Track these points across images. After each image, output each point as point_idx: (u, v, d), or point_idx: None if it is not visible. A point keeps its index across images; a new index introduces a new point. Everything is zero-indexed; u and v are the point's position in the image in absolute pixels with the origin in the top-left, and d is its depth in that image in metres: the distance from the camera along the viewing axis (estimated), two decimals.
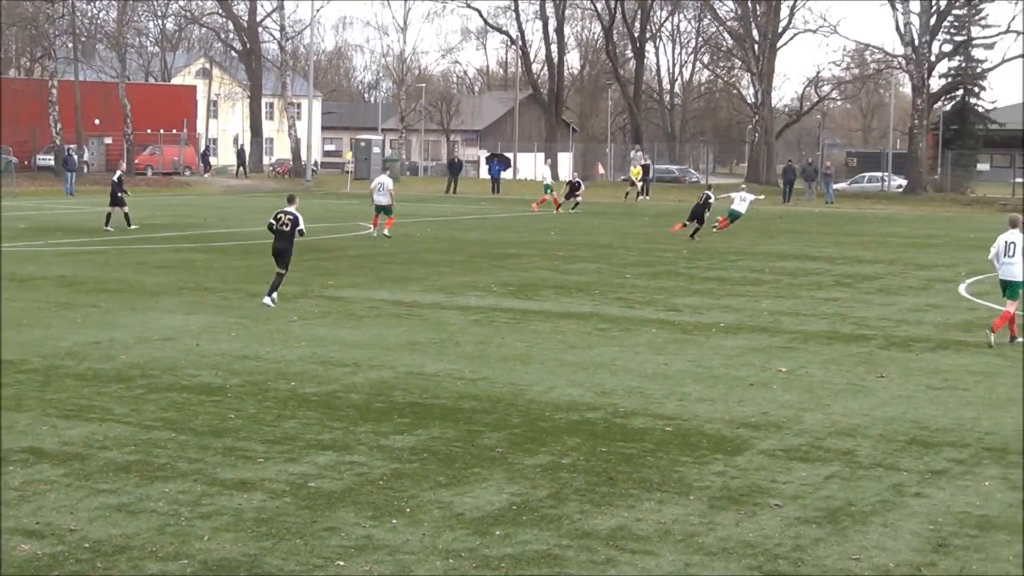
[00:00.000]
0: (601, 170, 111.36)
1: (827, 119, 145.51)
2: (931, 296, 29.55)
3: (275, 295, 25.58)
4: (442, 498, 12.28)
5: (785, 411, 16.56)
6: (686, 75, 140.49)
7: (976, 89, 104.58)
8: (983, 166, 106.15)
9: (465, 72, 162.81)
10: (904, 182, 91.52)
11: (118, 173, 45.35)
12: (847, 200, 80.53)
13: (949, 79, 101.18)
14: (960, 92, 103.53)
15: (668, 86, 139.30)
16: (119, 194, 44.02)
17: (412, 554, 10.68)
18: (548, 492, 12.56)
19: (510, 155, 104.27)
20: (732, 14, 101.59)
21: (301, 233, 26.12)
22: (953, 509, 12.28)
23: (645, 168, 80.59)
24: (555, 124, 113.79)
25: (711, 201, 46.17)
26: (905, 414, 16.54)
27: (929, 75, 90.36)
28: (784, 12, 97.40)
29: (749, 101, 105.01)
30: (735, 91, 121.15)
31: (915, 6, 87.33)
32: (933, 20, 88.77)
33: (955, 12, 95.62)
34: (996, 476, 13.51)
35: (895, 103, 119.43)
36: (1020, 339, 22.93)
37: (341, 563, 10.44)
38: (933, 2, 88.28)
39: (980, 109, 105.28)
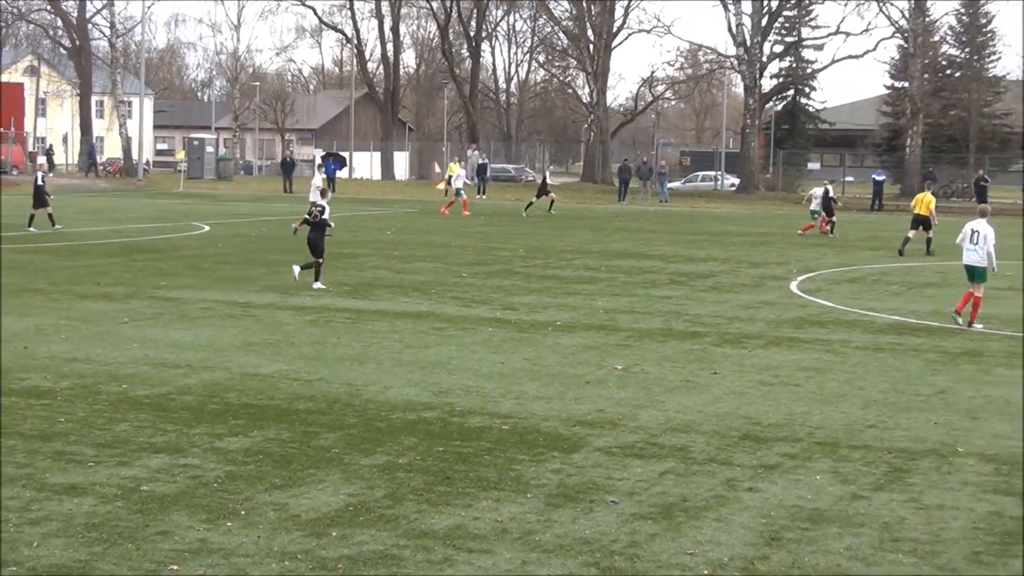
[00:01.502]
0: (437, 169, 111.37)
1: (661, 118, 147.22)
2: (763, 293, 29.97)
3: (319, 281, 28.69)
4: (277, 500, 12.16)
5: (621, 408, 16.66)
6: (522, 74, 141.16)
7: (807, 89, 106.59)
8: (814, 165, 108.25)
9: (300, 70, 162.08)
10: (737, 181, 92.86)
11: (39, 175, 45.17)
12: (681, 199, 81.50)
13: (780, 79, 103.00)
14: (791, 92, 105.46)
15: (504, 85, 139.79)
16: (44, 196, 43.99)
17: (247, 557, 10.56)
18: (385, 492, 12.50)
19: (346, 154, 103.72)
20: (567, 14, 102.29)
21: (327, 224, 29.01)
22: (785, 503, 12.45)
23: (482, 167, 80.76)
24: (391, 123, 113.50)
25: (831, 195, 50.37)
26: (738, 410, 16.74)
27: (761, 75, 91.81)
28: (619, 12, 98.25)
29: (584, 100, 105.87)
30: (570, 90, 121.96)
31: (747, 7, 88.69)
32: (764, 21, 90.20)
33: (786, 13, 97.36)
34: (827, 470, 13.72)
35: (728, 103, 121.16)
36: (979, 326, 24.38)
37: (175, 567, 10.29)
38: (764, 3, 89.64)
39: (810, 109, 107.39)
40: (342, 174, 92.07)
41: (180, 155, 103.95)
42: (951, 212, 72.57)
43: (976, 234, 24.91)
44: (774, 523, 11.80)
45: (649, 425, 15.72)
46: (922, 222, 42.53)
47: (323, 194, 30.01)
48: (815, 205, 52.48)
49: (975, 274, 24.97)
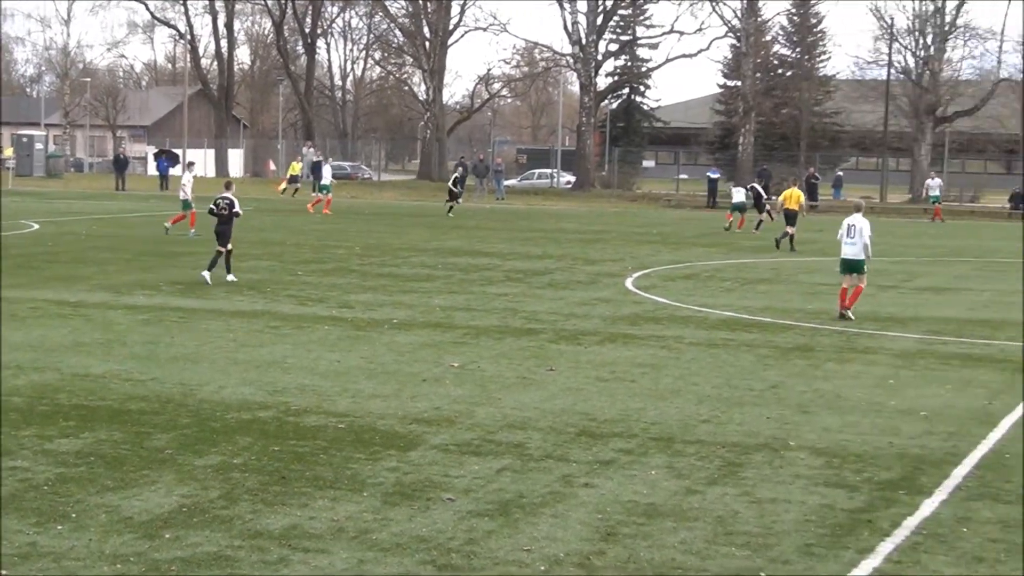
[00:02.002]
0: (272, 167, 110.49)
1: (498, 116, 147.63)
2: (599, 290, 30.18)
3: (208, 274, 29.22)
4: (109, 502, 11.95)
5: (457, 406, 16.66)
6: (358, 71, 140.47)
7: (641, 88, 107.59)
8: (648, 163, 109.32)
9: (132, 66, 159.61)
10: (573, 178, 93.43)
11: None
12: (517, 196, 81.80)
13: (615, 78, 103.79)
14: (626, 90, 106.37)
15: (340, 82, 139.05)
16: None
17: (78, 560, 10.36)
18: (219, 493, 12.35)
19: (179, 151, 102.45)
20: (403, 11, 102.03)
21: (237, 215, 30.04)
22: (621, 498, 12.52)
23: (316, 164, 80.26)
24: (225, 120, 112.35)
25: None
26: (574, 406, 16.82)
27: (596, 73, 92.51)
28: (455, 10, 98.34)
29: (421, 98, 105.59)
30: (407, 88, 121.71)
31: (582, 6, 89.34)
32: (600, 20, 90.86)
33: (621, 12, 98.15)
34: (662, 465, 13.83)
35: (564, 101, 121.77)
36: (851, 316, 25.31)
37: (4, 572, 10.06)
38: (600, 2, 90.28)
39: (645, 107, 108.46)
40: (175, 171, 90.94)
41: (8, 152, 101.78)
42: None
43: (852, 228, 25.82)
44: (610, 518, 11.86)
45: (486, 422, 15.73)
46: (790, 217, 43.45)
47: (228, 187, 30.99)
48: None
49: (854, 266, 25.77)
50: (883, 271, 36.06)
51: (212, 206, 30.18)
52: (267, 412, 16.02)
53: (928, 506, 12.50)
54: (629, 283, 31.78)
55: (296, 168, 77.78)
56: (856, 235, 25.76)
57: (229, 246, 29.77)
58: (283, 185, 74.13)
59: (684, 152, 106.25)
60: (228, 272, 29.68)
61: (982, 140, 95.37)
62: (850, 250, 25.84)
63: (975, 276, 35.84)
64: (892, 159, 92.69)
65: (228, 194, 30.28)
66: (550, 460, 13.95)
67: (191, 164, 48.42)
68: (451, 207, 60.02)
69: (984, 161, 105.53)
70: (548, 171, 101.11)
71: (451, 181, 62.72)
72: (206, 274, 29.32)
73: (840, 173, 78.57)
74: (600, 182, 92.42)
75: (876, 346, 22.57)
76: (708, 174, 77.92)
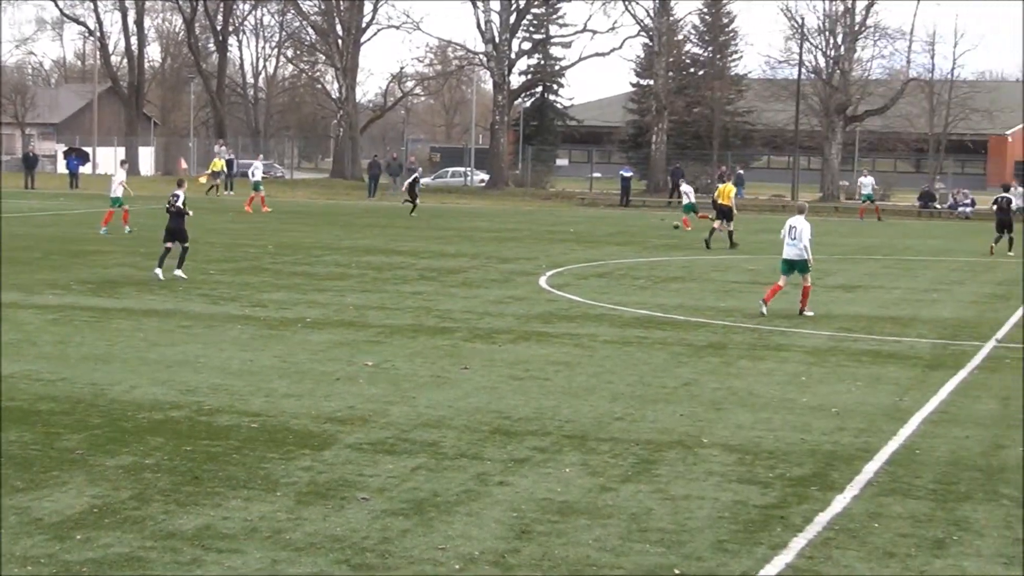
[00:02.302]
0: (184, 165, 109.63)
1: (411, 114, 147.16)
2: (513, 288, 30.20)
3: (160, 269, 30.00)
4: (19, 503, 11.82)
5: (372, 405, 16.61)
6: (270, 69, 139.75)
7: (555, 86, 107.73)
8: (562, 161, 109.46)
9: (41, 64, 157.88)
10: (487, 177, 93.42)
11: None
12: (431, 195, 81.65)
13: (529, 76, 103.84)
14: (539, 89, 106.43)
15: (252, 80, 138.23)
16: None
17: None
18: (131, 493, 12.25)
19: (89, 149, 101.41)
20: (316, 8, 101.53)
21: (187, 213, 30.66)
22: (535, 496, 12.54)
23: (229, 163, 79.79)
24: (136, 118, 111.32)
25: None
26: (489, 404, 16.82)
27: (510, 72, 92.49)
28: (368, 8, 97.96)
29: (334, 96, 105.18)
30: (320, 86, 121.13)
31: (495, 4, 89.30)
32: (513, 18, 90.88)
33: (534, 11, 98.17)
34: (576, 463, 13.87)
35: (477, 99, 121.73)
36: (809, 312, 26.22)
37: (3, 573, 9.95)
38: (513, 1, 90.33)
39: (559, 106, 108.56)
40: (85, 169, 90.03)
41: None
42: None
43: (794, 229, 26.28)
44: (524, 516, 11.88)
45: (400, 421, 15.71)
46: (725, 213, 43.65)
47: (180, 184, 31.60)
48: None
49: (796, 266, 26.31)
50: None
51: (167, 204, 30.86)
52: (179, 412, 15.91)
53: (840, 502, 12.61)
54: (543, 281, 31.83)
55: (218, 164, 77.20)
56: (797, 236, 26.20)
57: (186, 244, 30.55)
58: (203, 179, 73.60)
59: (597, 151, 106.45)
60: (179, 267, 30.31)
61: (892, 139, 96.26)
62: (791, 251, 26.29)
63: (885, 274, 36.20)
64: (803, 158, 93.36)
65: (179, 192, 30.80)
66: (464, 459, 13.94)
67: (124, 162, 48.28)
68: (413, 207, 59.47)
69: (894, 160, 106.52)
70: (462, 170, 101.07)
71: (407, 186, 61.87)
72: (158, 271, 29.94)
73: (741, 171, 78.79)
74: (514, 180, 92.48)
75: (788, 343, 22.75)
76: (621, 172, 78.16)
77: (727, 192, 44.07)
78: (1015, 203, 49.46)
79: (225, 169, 77.35)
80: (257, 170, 60.94)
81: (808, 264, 26.24)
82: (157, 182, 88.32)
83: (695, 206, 52.64)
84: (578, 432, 15.36)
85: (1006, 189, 46.02)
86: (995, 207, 45.03)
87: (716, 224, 43.88)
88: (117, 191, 43.06)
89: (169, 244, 30.36)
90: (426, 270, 33.80)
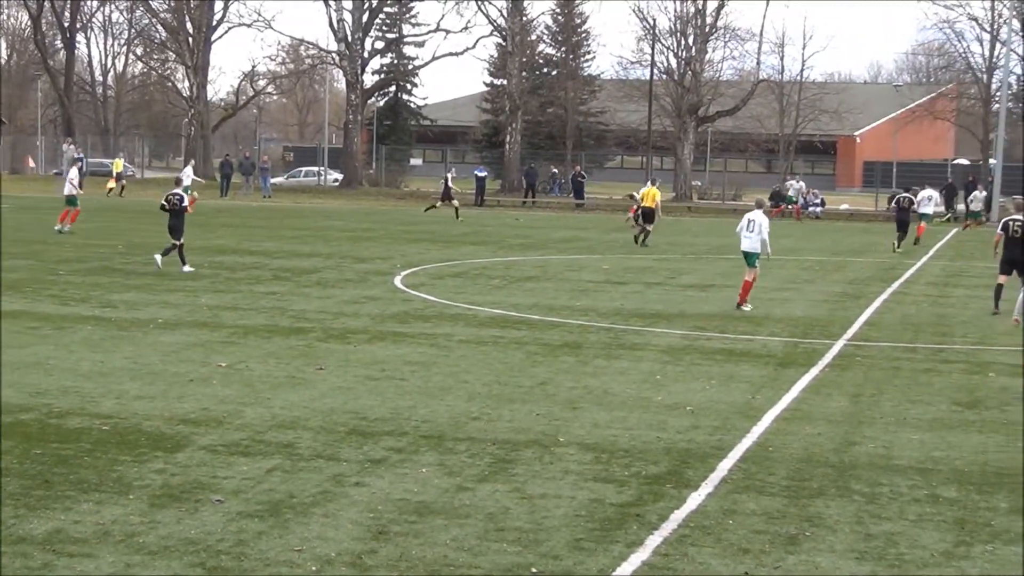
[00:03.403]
0: (32, 163, 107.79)
1: (264, 113, 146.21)
2: (368, 288, 30.08)
3: (160, 258, 32.38)
4: None
5: (226, 406, 16.45)
6: (119, 67, 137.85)
7: (408, 86, 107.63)
8: (416, 161, 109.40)
9: None
10: (340, 176, 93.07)
11: None
12: (285, 194, 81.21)
13: (382, 75, 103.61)
14: (393, 88, 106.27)
15: (101, 78, 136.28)
16: None
17: None
18: None
19: None
20: (166, 6, 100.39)
21: (187, 210, 33.08)
22: (392, 496, 12.49)
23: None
24: None
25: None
26: (345, 405, 16.74)
27: (363, 71, 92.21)
28: (219, 6, 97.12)
29: (185, 94, 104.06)
30: (170, 84, 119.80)
31: (348, 3, 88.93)
32: (366, 17, 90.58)
33: (387, 10, 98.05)
34: (433, 463, 13.84)
35: (330, 98, 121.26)
36: (748, 307, 27.39)
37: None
38: (365, 0, 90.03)
39: (412, 105, 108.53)
40: None
41: None
42: (550, 207, 74.60)
43: (752, 223, 27.75)
44: (381, 517, 11.82)
45: (255, 422, 15.56)
46: (648, 215, 45.28)
47: (178, 183, 34.59)
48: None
49: (752, 258, 27.82)
50: (649, 268, 36.69)
51: (163, 202, 33.10)
52: (28, 415, 15.62)
53: (695, 499, 12.71)
54: (398, 281, 31.75)
55: (119, 165, 75.82)
56: (755, 230, 27.69)
57: (181, 240, 32.58)
58: (111, 184, 72.39)
59: (451, 150, 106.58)
60: (184, 264, 32.38)
61: (743, 140, 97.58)
62: (748, 243, 27.74)
63: (737, 273, 36.53)
64: (656, 158, 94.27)
65: (178, 190, 33.28)
66: (320, 459, 13.85)
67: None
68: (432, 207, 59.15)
69: (745, 160, 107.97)
70: (315, 169, 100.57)
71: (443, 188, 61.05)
72: (158, 257, 32.42)
73: (583, 177, 78.93)
74: (368, 180, 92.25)
75: (643, 342, 22.91)
76: (475, 172, 78.27)
77: (652, 195, 45.20)
78: (930, 207, 51.39)
79: (68, 169, 76.02)
80: (187, 176, 59.39)
81: (758, 259, 27.81)
82: (4, 181, 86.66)
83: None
84: (435, 432, 15.33)
85: (907, 190, 47.41)
86: (895, 206, 46.57)
87: (647, 226, 45.27)
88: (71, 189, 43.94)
89: (179, 240, 32.59)
90: (280, 270, 33.55)
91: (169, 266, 32.24)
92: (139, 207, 61.47)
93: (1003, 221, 28.82)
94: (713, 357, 21.43)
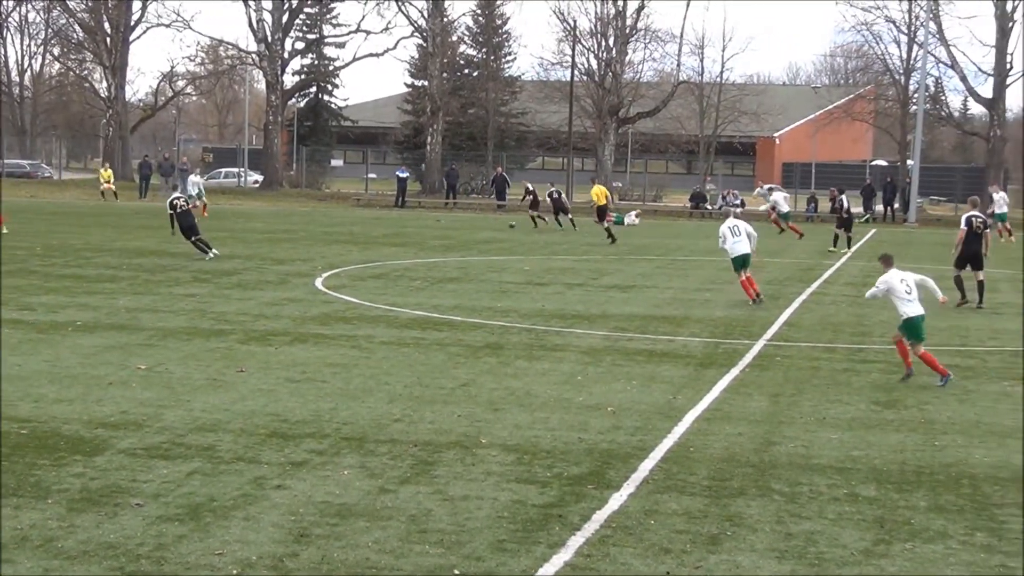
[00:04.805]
0: None
1: (183, 114, 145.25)
2: (289, 290, 29.96)
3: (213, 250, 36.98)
4: None
5: (145, 409, 16.33)
6: (36, 67, 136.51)
7: (329, 87, 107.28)
8: (337, 162, 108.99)
9: None
10: (261, 178, 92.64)
11: None
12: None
13: (303, 76, 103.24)
14: (314, 89, 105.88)
15: (17, 78, 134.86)
16: None
17: None
18: None
19: None
20: (83, 6, 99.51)
21: (195, 206, 37.09)
22: (314, 499, 12.45)
23: None
24: None
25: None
26: (266, 407, 16.66)
27: (283, 72, 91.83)
28: (137, 6, 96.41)
29: (103, 95, 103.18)
30: (88, 84, 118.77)
31: (267, 3, 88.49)
32: (286, 18, 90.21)
33: (307, 11, 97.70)
34: (354, 465, 13.80)
35: (250, 99, 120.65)
36: (761, 298, 29.08)
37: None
38: (285, 0, 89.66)
39: (333, 106, 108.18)
40: None
41: None
42: (475, 208, 74.60)
43: (737, 227, 29.26)
44: (303, 520, 11.78)
45: (175, 425, 15.46)
46: (601, 212, 48.64)
47: (175, 188, 40.18)
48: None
49: (748, 260, 29.37)
50: (570, 269, 36.76)
51: (169, 208, 37.63)
52: None
53: (616, 499, 12.76)
54: (319, 283, 31.63)
55: (106, 174, 74.80)
56: (742, 232, 29.14)
57: (200, 234, 37.30)
58: (109, 185, 71.51)
59: (373, 151, 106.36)
60: (209, 251, 36.84)
61: (663, 141, 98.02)
62: (741, 247, 29.12)
63: (658, 274, 36.78)
64: (577, 159, 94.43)
65: (178, 194, 38.91)
66: (241, 462, 13.79)
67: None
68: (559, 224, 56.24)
69: (666, 161, 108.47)
70: (235, 170, 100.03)
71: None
72: (211, 252, 36.87)
73: (502, 172, 78.06)
74: (288, 181, 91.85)
75: (564, 343, 22.95)
76: (397, 173, 78.04)
77: (601, 193, 48.93)
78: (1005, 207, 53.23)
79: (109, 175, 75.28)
80: (195, 185, 58.28)
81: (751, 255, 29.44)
82: None
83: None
84: (356, 434, 15.29)
85: (841, 192, 48.18)
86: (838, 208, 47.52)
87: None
88: None
89: (198, 235, 36.96)
90: (199, 272, 33.34)
91: (86, 267, 31.92)
92: (55, 209, 60.89)
93: (965, 217, 29.86)
94: (634, 358, 21.50)
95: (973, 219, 29.30)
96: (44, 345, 21.12)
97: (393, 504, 12.38)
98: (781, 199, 58.13)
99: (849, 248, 46.49)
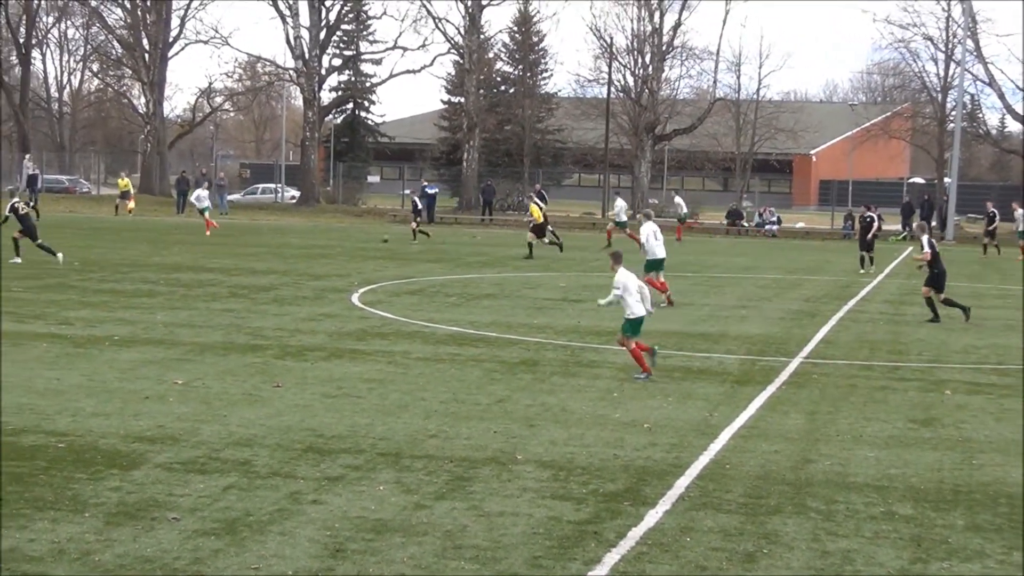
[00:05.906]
0: None
1: (221, 130, 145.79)
2: (325, 306, 30.01)
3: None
4: None
5: (182, 423, 16.38)
6: (75, 83, 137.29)
7: (366, 103, 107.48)
8: (373, 178, 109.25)
9: None
10: (298, 193, 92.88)
11: None
12: (241, 211, 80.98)
13: (339, 92, 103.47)
14: (350, 105, 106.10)
15: (57, 94, 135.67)
16: None
17: None
18: None
19: None
20: (122, 22, 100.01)
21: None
22: (350, 514, 12.46)
23: (32, 178, 78.19)
24: None
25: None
26: (302, 422, 16.69)
27: (320, 88, 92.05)
28: (175, 22, 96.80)
29: (141, 111, 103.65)
30: (126, 100, 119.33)
31: (305, 21, 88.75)
32: (323, 35, 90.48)
33: (344, 27, 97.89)
34: (390, 480, 13.81)
35: (287, 115, 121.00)
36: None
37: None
38: (323, 17, 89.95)
39: (370, 122, 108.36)
40: None
41: None
42: (507, 225, 74.58)
43: (658, 232, 32.09)
44: (338, 535, 11.79)
45: (211, 440, 15.50)
46: (538, 230, 49.53)
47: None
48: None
49: (663, 263, 32.25)
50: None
51: (8, 208, 37.34)
52: None
53: (652, 516, 12.73)
54: (355, 298, 31.69)
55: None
56: (661, 237, 32.25)
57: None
58: (131, 203, 71.58)
59: (409, 167, 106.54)
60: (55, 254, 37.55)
61: (700, 158, 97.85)
62: (663, 250, 32.28)
63: (694, 291, 36.70)
64: (613, 176, 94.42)
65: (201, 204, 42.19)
66: (277, 477, 13.81)
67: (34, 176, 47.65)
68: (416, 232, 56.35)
69: (702, 178, 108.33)
70: (272, 186, 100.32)
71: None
72: (59, 255, 37.16)
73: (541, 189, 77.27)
74: (325, 197, 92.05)
75: (600, 360, 22.94)
76: (425, 189, 77.06)
77: (535, 211, 49.58)
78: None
79: (27, 186, 75.47)
80: (202, 200, 58.68)
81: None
82: None
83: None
84: (392, 450, 15.30)
85: (868, 208, 47.26)
86: (860, 226, 47.03)
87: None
88: None
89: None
90: (237, 287, 33.44)
91: (124, 282, 32.06)
92: (94, 224, 61.19)
93: (929, 240, 30.36)
94: (671, 375, 21.46)
95: (935, 242, 30.77)
96: (82, 359, 21.21)
97: (429, 520, 12.38)
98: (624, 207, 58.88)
99: (872, 265, 45.51)
